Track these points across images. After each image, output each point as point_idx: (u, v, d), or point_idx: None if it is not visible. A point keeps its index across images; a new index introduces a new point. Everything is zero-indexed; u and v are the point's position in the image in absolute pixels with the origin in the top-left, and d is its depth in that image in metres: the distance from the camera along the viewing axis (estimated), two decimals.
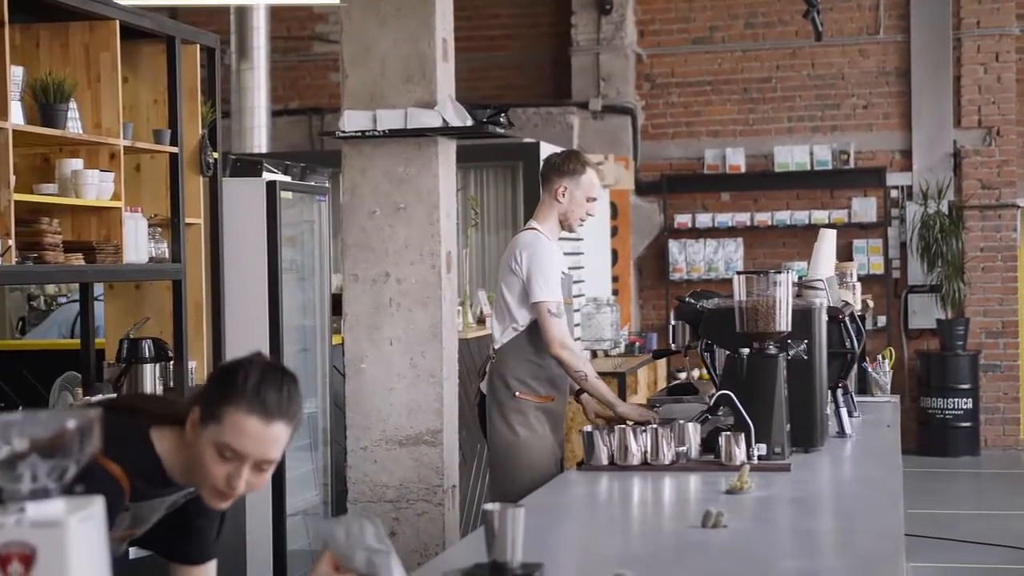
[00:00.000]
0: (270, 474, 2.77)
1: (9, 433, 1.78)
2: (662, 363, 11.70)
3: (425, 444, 5.80)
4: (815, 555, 3.30)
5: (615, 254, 12.96)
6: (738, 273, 4.63)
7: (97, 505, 1.81)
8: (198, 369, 6.14)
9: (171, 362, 5.84)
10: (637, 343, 11.32)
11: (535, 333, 5.34)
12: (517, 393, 5.36)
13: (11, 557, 1.74)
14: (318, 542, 2.74)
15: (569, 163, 5.49)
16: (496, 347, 5.45)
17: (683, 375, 11.67)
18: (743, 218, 13.42)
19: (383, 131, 5.71)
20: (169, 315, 5.92)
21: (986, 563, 8.54)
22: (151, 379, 5.67)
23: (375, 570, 2.49)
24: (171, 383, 5.86)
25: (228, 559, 5.32)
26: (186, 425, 2.75)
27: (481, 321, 8.70)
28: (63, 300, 8.82)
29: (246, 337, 6.47)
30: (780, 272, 4.58)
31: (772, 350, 4.56)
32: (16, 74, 4.95)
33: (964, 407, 12.82)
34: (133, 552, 4.56)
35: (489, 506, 2.82)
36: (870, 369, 6.66)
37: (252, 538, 6.26)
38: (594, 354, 10.60)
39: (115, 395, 4.80)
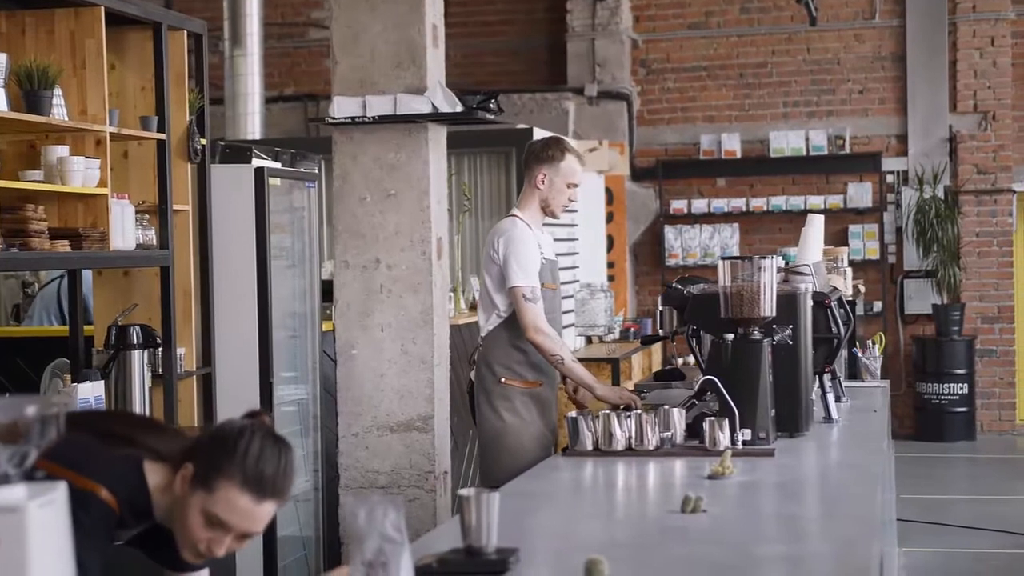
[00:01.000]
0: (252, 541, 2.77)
1: None
2: (657, 349, 11.71)
3: (416, 430, 5.81)
4: (790, 539, 3.30)
5: (611, 240, 12.96)
6: (723, 258, 4.63)
7: (59, 491, 1.82)
8: (187, 356, 6.14)
9: (159, 348, 5.84)
10: (632, 329, 11.32)
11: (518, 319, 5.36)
12: (503, 379, 5.38)
13: None
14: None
15: (548, 150, 5.51)
16: (482, 335, 5.48)
17: (679, 361, 11.68)
18: (739, 204, 13.41)
19: (373, 117, 5.70)
20: (157, 302, 5.92)
21: (981, 548, 8.55)
22: (139, 366, 5.66)
23: (384, 558, 2.49)
24: (159, 369, 5.86)
25: None
26: (177, 475, 2.73)
27: (473, 307, 8.70)
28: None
29: (235, 323, 6.48)
30: (765, 258, 4.58)
31: (757, 335, 4.56)
32: (0, 61, 4.95)
33: (960, 392, 12.83)
34: None
35: (464, 492, 2.83)
36: (860, 355, 6.66)
37: None
38: (588, 340, 10.61)
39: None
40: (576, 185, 5.55)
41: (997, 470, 11.73)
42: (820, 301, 5.17)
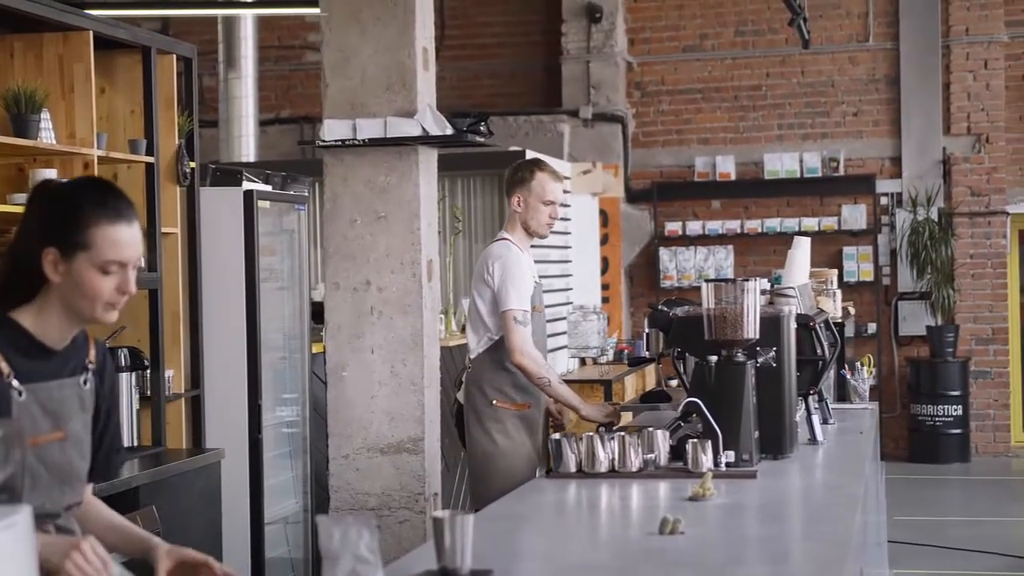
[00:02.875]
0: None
1: None
2: (651, 371, 11.70)
3: (407, 452, 5.81)
4: (768, 561, 3.31)
5: (606, 262, 12.98)
6: (707, 281, 4.65)
7: (22, 514, 1.83)
8: (175, 378, 6.15)
9: (147, 371, 5.85)
10: (626, 351, 11.31)
11: None
12: (494, 401, 5.42)
13: None
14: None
15: (517, 172, 5.65)
16: (471, 356, 5.50)
17: (674, 383, 11.67)
18: (733, 226, 13.43)
19: (363, 140, 5.73)
20: (146, 324, 5.94)
21: (975, 570, 8.54)
22: (127, 388, 5.68)
23: None
24: (148, 391, 5.87)
25: None
26: (44, 269, 2.81)
27: (464, 329, 8.71)
28: None
29: (224, 346, 6.49)
30: (748, 280, 4.59)
31: (740, 357, 4.57)
32: None
33: (954, 414, 12.83)
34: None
35: (438, 514, 2.85)
36: (848, 376, 6.67)
37: (229, 546, 6.26)
38: (582, 362, 10.61)
39: None
40: (552, 202, 5.60)
41: (992, 492, 11.72)
42: (805, 323, 5.18)
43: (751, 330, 4.55)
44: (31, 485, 2.78)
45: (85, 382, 2.97)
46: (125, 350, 5.72)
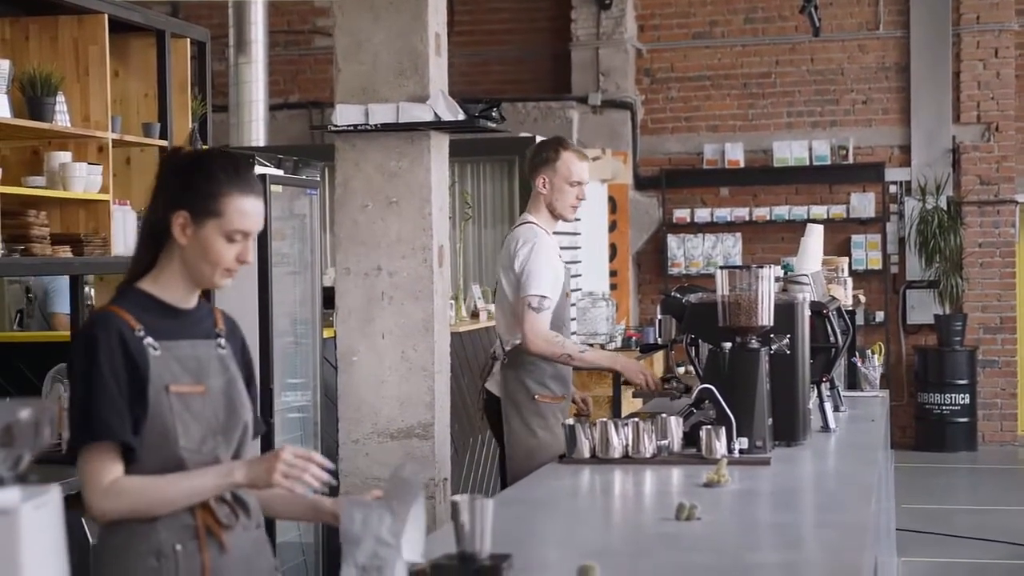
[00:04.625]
0: None
1: None
2: (660, 357, 11.71)
3: (417, 437, 5.81)
4: (785, 548, 3.31)
5: (614, 248, 12.98)
6: (721, 268, 4.64)
7: (52, 493, 1.83)
8: None
9: None
10: (634, 337, 11.32)
11: None
12: (537, 396, 5.31)
13: None
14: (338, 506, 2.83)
15: (542, 152, 5.50)
16: (507, 348, 5.39)
17: (681, 370, 11.68)
18: (742, 213, 13.43)
19: (375, 125, 5.72)
20: None
21: (982, 558, 8.55)
22: None
23: (378, 562, 2.51)
24: None
25: None
26: (173, 231, 2.95)
27: (475, 315, 8.72)
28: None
29: None
30: (762, 267, 4.59)
31: (754, 344, 4.57)
32: (3, 67, 4.98)
33: (962, 402, 12.83)
34: None
35: (457, 497, 2.84)
36: (859, 364, 6.67)
37: None
38: (591, 348, 10.61)
39: None
40: (579, 183, 5.49)
41: (998, 481, 11.73)
42: (818, 311, 5.18)
43: (765, 317, 4.55)
44: (183, 431, 2.92)
45: (220, 346, 3.08)
46: None
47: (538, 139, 10.35)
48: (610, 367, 5.29)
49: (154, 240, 3.01)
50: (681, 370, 11.50)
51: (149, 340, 2.93)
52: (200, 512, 2.95)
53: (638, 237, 13.60)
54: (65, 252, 5.21)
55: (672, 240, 13.54)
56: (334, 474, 6.16)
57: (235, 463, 2.97)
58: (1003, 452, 12.98)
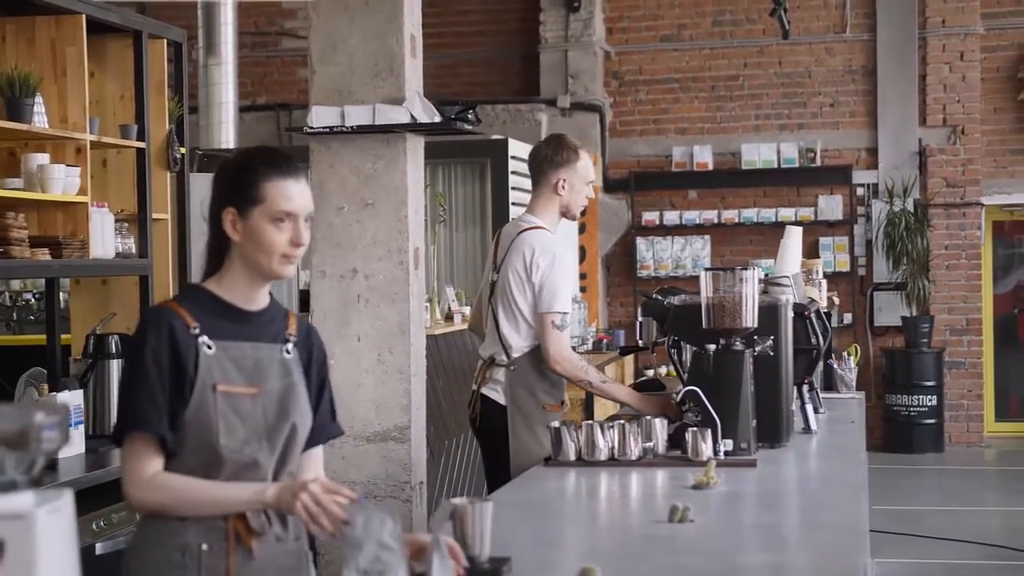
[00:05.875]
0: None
1: None
2: (629, 360, 11.74)
3: (393, 440, 5.80)
4: (779, 549, 3.32)
5: (583, 251, 13.00)
6: (705, 270, 4.64)
7: (66, 498, 1.81)
8: None
9: None
10: (605, 340, 11.35)
11: None
12: (546, 406, 5.19)
13: None
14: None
15: (563, 152, 5.29)
16: (514, 355, 5.20)
17: (650, 372, 11.70)
18: (710, 215, 13.47)
19: (351, 127, 5.70)
20: (136, 310, 5.90)
21: (950, 559, 8.60)
22: (117, 375, 5.63)
23: (380, 567, 2.50)
24: None
25: None
26: (225, 229, 3.02)
27: (449, 317, 8.70)
28: (28, 296, 8.77)
29: None
30: (747, 269, 4.59)
31: (738, 346, 4.57)
32: None
33: (928, 404, 12.91)
34: (100, 548, 4.57)
35: (458, 501, 2.84)
36: (836, 366, 6.69)
37: None
38: None
39: None
40: (592, 181, 5.39)
41: (966, 481, 11.80)
42: (800, 312, 5.20)
43: (750, 319, 4.55)
44: (225, 430, 2.95)
45: (287, 351, 3.08)
46: (115, 337, 5.67)
47: (510, 141, 10.40)
48: (627, 404, 5.16)
49: (216, 247, 3.07)
50: (650, 372, 11.54)
51: (204, 339, 2.97)
52: (233, 516, 2.96)
53: (607, 240, 13.62)
54: (44, 255, 5.16)
55: (641, 243, 13.57)
56: None
57: (271, 484, 2.97)
58: (970, 453, 13.06)
